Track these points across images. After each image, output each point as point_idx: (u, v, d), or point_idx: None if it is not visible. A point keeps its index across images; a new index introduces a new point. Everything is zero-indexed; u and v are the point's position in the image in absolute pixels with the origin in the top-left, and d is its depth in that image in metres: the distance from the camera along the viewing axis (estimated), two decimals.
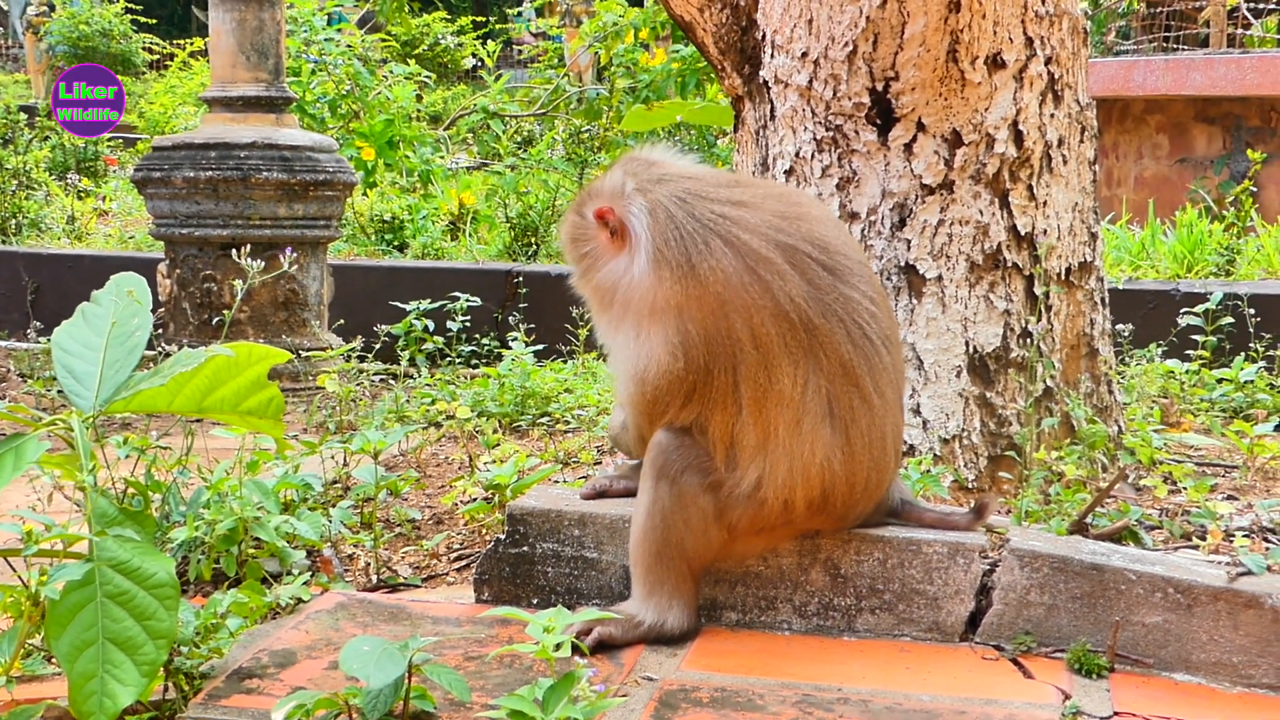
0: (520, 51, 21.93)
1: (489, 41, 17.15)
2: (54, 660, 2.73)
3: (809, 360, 2.84)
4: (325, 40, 11.55)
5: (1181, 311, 5.59)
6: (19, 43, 24.95)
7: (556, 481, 3.89)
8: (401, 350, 5.93)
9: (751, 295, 2.82)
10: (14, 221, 10.12)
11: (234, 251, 4.49)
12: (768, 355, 2.83)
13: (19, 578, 2.75)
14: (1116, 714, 2.61)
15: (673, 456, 2.88)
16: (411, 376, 6.03)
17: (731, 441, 2.88)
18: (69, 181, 11.62)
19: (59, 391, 5.03)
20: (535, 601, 3.17)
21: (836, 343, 2.87)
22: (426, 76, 13.25)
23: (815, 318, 2.85)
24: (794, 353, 2.83)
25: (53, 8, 20.55)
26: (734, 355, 2.83)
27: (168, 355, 4.57)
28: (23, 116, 13.04)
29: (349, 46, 11.90)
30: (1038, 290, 3.87)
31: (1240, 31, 12.98)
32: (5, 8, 26.42)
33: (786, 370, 2.83)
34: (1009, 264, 3.85)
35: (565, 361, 6.11)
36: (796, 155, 3.97)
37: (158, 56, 20.85)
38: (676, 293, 2.84)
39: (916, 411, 3.78)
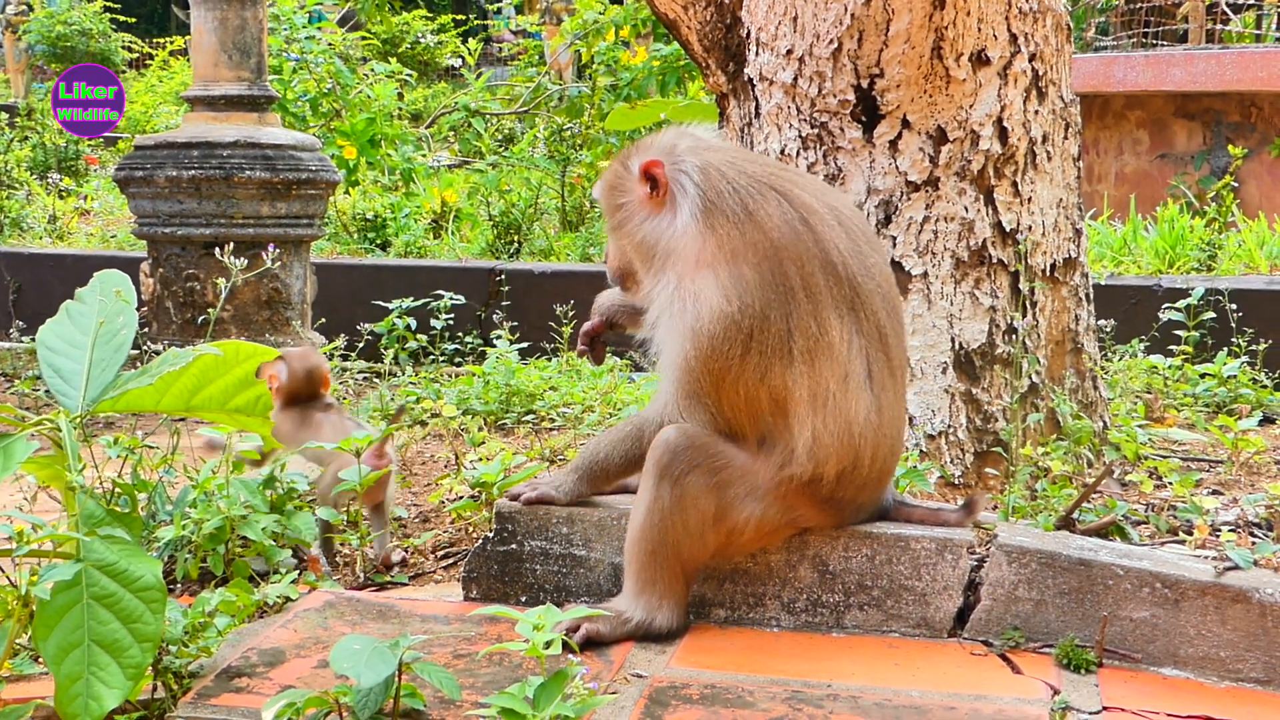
0: (501, 49, 21.89)
1: (469, 39, 17.12)
2: (41, 660, 2.72)
3: (852, 317, 2.88)
4: (306, 39, 11.52)
5: (1163, 307, 5.61)
6: None
7: None
8: (385, 349, 5.93)
9: (805, 244, 2.86)
10: None
11: (217, 250, 4.48)
12: (817, 305, 2.85)
13: (7, 578, 2.74)
14: (1105, 709, 2.62)
15: (679, 456, 2.87)
16: (395, 375, 6.02)
17: (786, 397, 2.86)
18: (50, 181, 11.57)
19: (45, 391, 5.01)
20: (523, 599, 3.17)
21: (875, 306, 2.91)
22: (407, 75, 13.22)
23: (858, 276, 2.90)
24: (839, 307, 2.87)
25: (30, 7, 20.44)
26: (787, 302, 2.84)
27: (152, 354, 4.55)
28: (3, 116, 12.98)
29: (330, 45, 11.87)
30: (1023, 286, 3.88)
31: (1219, 27, 13.02)
32: None
33: (834, 323, 2.86)
34: (994, 260, 3.86)
35: (549, 359, 6.10)
36: (782, 152, 3.97)
37: (137, 55, 20.76)
38: (733, 238, 2.86)
39: None
